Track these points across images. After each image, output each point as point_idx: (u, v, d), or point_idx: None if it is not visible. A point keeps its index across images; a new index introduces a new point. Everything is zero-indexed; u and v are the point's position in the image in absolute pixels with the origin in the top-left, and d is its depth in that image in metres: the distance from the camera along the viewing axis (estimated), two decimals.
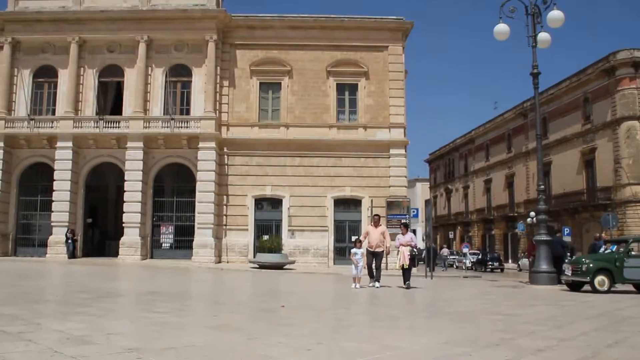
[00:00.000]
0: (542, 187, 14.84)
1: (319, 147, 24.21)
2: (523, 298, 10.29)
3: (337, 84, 25.02)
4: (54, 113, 24.73)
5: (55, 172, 23.71)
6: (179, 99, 24.65)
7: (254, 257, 22.32)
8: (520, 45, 33.73)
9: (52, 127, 24.23)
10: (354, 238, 23.54)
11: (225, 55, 24.93)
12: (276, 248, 21.38)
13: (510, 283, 15.62)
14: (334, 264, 23.17)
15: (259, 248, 22.00)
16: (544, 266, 14.08)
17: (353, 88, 25.14)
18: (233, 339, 4.50)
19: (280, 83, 24.88)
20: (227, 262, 23.37)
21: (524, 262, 26.13)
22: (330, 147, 24.25)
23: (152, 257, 23.64)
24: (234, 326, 5.29)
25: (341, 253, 23.53)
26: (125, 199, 23.48)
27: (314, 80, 24.87)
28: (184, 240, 23.67)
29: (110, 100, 25.63)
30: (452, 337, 4.86)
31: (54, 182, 23.66)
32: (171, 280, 13.11)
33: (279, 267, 20.65)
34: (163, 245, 23.98)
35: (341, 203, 24.26)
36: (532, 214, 30.20)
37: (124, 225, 23.46)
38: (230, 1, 61.06)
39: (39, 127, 24.19)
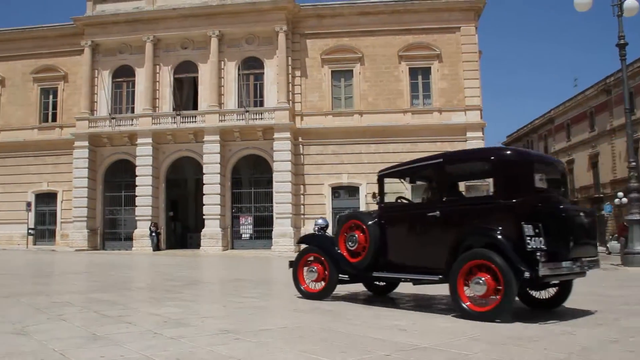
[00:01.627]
0: (634, 163, 14.99)
1: (394, 133, 27.18)
2: (620, 280, 10.74)
3: (410, 69, 27.93)
4: (133, 111, 28.97)
5: (137, 168, 27.89)
6: (252, 91, 28.32)
7: None
8: (603, 16, 34.77)
9: (132, 124, 28.43)
10: None
11: (295, 46, 28.36)
12: None
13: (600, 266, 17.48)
14: None
15: None
16: (638, 247, 14.39)
17: (426, 72, 28.00)
18: (323, 320, 5.03)
19: (352, 70, 28.07)
20: None
21: (613, 244, 28.11)
22: (405, 133, 27.17)
23: (232, 248, 27.37)
24: (322, 308, 5.83)
25: None
26: (204, 192, 27.33)
27: (385, 66, 27.91)
28: (263, 231, 27.28)
29: (186, 95, 29.70)
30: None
31: (137, 178, 27.84)
32: (254, 269, 14.87)
33: None
34: (243, 235, 27.68)
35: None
36: (620, 194, 32.09)
37: (204, 217, 27.33)
38: None
39: (119, 125, 28.45)
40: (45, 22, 31.92)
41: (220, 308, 6.12)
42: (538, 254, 4.91)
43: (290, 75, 27.89)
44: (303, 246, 7.22)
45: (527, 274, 4.88)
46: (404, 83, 27.78)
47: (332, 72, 28.15)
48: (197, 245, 27.50)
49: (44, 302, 6.10)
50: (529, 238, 4.97)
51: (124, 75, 29.39)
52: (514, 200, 5.21)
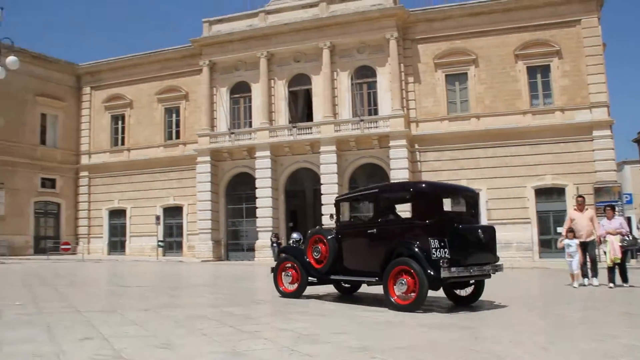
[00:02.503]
0: None
1: (513, 135, 28.19)
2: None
3: (528, 67, 28.79)
4: (250, 125, 32.21)
5: (256, 181, 31.01)
6: (366, 100, 30.53)
7: None
8: None
9: (250, 138, 31.63)
10: (559, 229, 27.42)
11: (407, 52, 30.21)
12: None
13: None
14: (540, 257, 26.99)
15: None
16: None
17: (545, 70, 28.74)
18: (456, 338, 5.38)
19: (466, 73, 29.44)
20: None
21: None
22: (526, 135, 28.08)
23: None
24: (454, 324, 6.26)
25: (547, 246, 27.31)
26: (322, 202, 29.84)
27: (501, 67, 28.99)
28: None
29: (301, 107, 32.54)
30: None
31: (257, 190, 30.95)
32: None
33: None
34: None
35: (542, 193, 27.98)
36: None
37: (323, 227, 29.83)
38: None
39: (238, 139, 31.76)
40: (165, 45, 36.00)
41: (348, 323, 6.44)
42: (441, 261, 7.17)
43: (403, 82, 29.73)
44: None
45: (433, 275, 7.14)
46: (521, 83, 28.69)
47: (446, 76, 29.65)
48: None
49: (181, 315, 6.82)
50: (434, 249, 7.25)
51: (240, 91, 32.74)
52: (425, 221, 7.57)
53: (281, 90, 31.68)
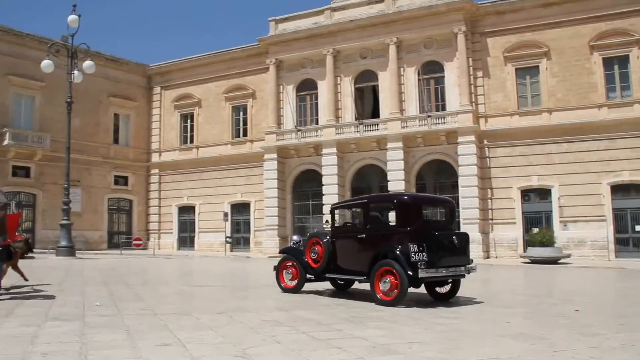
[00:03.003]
0: None
1: (588, 130, 28.29)
2: None
3: (604, 59, 28.76)
4: (317, 122, 33.65)
5: (323, 177, 32.41)
6: (433, 96, 31.35)
7: (524, 251, 27.63)
8: None
9: (316, 136, 33.06)
10: (637, 227, 27.42)
11: (475, 46, 30.80)
12: (548, 241, 26.25)
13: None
14: (616, 257, 27.08)
15: (529, 242, 27.16)
16: None
17: (623, 61, 28.64)
18: (538, 350, 5.26)
19: (537, 66, 29.74)
20: (496, 257, 29.06)
21: None
22: (601, 129, 28.11)
23: None
24: (532, 334, 6.25)
25: (624, 244, 27.38)
26: None
27: (575, 59, 29.12)
28: None
29: (367, 104, 33.71)
30: None
31: (323, 187, 32.36)
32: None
33: (552, 261, 25.46)
34: None
35: (619, 189, 27.98)
36: None
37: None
38: None
39: (305, 137, 33.24)
40: (231, 45, 37.99)
41: (422, 331, 6.51)
42: (419, 263, 8.55)
43: (471, 77, 30.36)
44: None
45: (412, 275, 8.53)
46: (597, 75, 28.71)
47: (516, 69, 30.04)
48: None
49: (254, 320, 6.96)
50: (413, 253, 8.61)
51: (306, 88, 34.24)
52: (407, 228, 8.93)
53: (347, 87, 32.92)
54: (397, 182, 30.61)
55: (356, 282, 10.37)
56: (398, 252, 8.77)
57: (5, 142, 32.54)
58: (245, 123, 36.81)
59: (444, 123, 30.12)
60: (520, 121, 29.63)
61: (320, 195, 32.60)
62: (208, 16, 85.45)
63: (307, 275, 10.50)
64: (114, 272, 15.88)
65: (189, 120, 39.33)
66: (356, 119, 32.48)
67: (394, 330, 6.46)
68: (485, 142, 30.00)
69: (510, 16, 30.31)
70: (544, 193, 28.99)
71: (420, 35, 31.34)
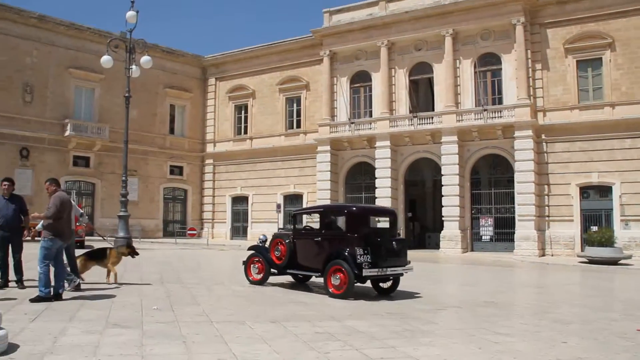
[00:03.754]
0: None
1: None
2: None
3: None
4: (370, 115, 34.25)
5: (376, 170, 33.04)
6: (490, 89, 31.43)
7: (582, 250, 27.55)
8: None
9: (370, 128, 33.67)
10: None
11: (535, 37, 30.64)
12: (607, 241, 26.01)
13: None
14: None
15: (587, 241, 27.03)
16: None
17: None
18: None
19: (600, 58, 29.38)
20: (552, 255, 29.10)
21: None
22: None
23: (472, 250, 30.94)
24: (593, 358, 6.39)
25: None
26: (443, 193, 31.31)
27: None
28: (504, 233, 30.35)
29: (422, 97, 34.08)
30: None
31: (376, 180, 33.00)
32: (498, 282, 16.02)
33: (611, 262, 25.19)
34: (483, 237, 31.07)
35: None
36: None
37: (443, 218, 31.35)
38: None
39: (358, 129, 33.90)
40: (285, 36, 38.91)
41: (477, 351, 6.56)
42: (364, 264, 10.55)
43: (530, 69, 30.28)
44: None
45: (357, 274, 10.53)
46: None
47: (577, 62, 29.76)
48: (435, 245, 31.75)
49: (307, 332, 7.19)
50: (359, 255, 10.60)
51: (360, 80, 34.85)
52: (354, 235, 10.91)
53: (402, 79, 33.34)
54: (451, 177, 30.95)
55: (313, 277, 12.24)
56: (347, 254, 10.74)
57: (67, 133, 34.50)
58: (298, 114, 37.76)
59: (501, 117, 30.20)
60: (580, 115, 29.42)
61: (373, 188, 33.28)
62: (262, 8, 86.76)
63: (272, 270, 12.42)
64: (169, 268, 16.70)
65: (243, 111, 40.60)
66: (410, 111, 32.89)
67: (448, 349, 6.61)
68: (543, 136, 29.95)
69: (572, 6, 29.99)
70: (605, 190, 28.78)
71: (477, 27, 31.39)
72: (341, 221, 12.04)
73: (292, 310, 9.17)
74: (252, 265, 12.78)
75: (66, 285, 9.87)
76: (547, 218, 29.71)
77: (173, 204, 41.57)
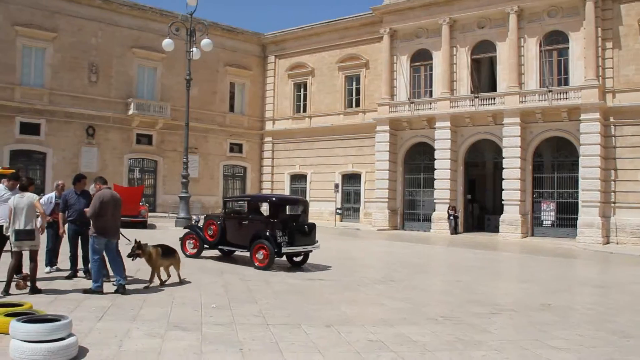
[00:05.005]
0: None
1: None
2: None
3: None
4: (431, 95, 34.68)
5: (435, 152, 33.57)
6: (555, 69, 31.22)
7: None
8: None
9: (430, 108, 34.12)
10: None
11: (606, 14, 30.09)
12: None
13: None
14: None
15: None
16: None
17: None
18: None
19: None
20: (617, 243, 28.97)
21: None
22: None
23: (532, 235, 31.17)
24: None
25: None
26: (503, 176, 31.54)
27: None
28: (566, 218, 30.41)
29: (484, 76, 34.22)
30: None
31: (435, 162, 33.55)
32: (557, 278, 15.71)
33: None
34: (544, 222, 31.22)
35: None
36: None
37: (503, 202, 31.65)
38: None
39: (418, 109, 34.41)
40: (343, 14, 39.48)
41: None
42: (282, 243, 13.83)
43: (599, 48, 29.84)
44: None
45: (277, 251, 13.81)
46: None
47: None
48: (494, 228, 32.18)
49: (361, 341, 7.29)
50: (279, 236, 13.83)
51: (421, 59, 35.26)
52: (275, 220, 14.14)
53: (463, 58, 33.52)
54: (512, 159, 31.15)
55: (237, 252, 15.35)
56: (269, 235, 13.95)
57: (130, 112, 36.55)
58: (358, 93, 38.55)
59: (566, 98, 30.03)
60: None
61: (431, 169, 33.88)
62: None
63: (205, 245, 15.46)
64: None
65: (302, 89, 41.71)
66: (471, 91, 33.08)
67: None
68: (612, 119, 29.65)
69: None
70: None
71: (544, 3, 31.13)
72: (264, 208, 15.54)
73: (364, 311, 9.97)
74: (187, 242, 15.85)
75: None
76: (612, 204, 29.57)
77: (232, 181, 43.37)
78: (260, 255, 13.95)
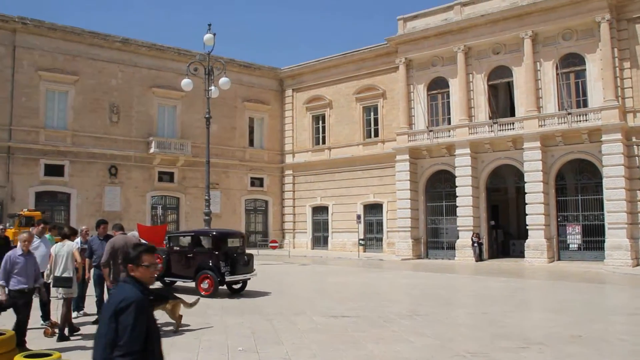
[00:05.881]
0: None
1: None
2: None
3: None
4: (449, 122, 34.83)
5: (456, 179, 33.59)
6: (573, 91, 31.24)
7: None
8: None
9: (449, 136, 34.24)
10: None
11: (621, 34, 30.16)
12: None
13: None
14: None
15: None
16: None
17: None
18: None
19: None
20: None
21: None
22: None
23: (559, 259, 30.87)
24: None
25: None
26: (527, 201, 31.42)
27: None
28: (593, 241, 30.11)
29: (502, 102, 34.34)
30: None
31: (457, 188, 33.55)
32: (587, 306, 15.46)
33: None
34: (570, 246, 30.94)
35: None
36: None
37: (527, 227, 31.45)
38: None
39: (437, 137, 34.56)
40: (360, 45, 40.08)
41: None
42: (225, 273, 15.68)
43: (617, 69, 29.84)
44: None
45: (220, 280, 15.71)
46: None
47: None
48: (520, 253, 31.96)
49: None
50: (222, 266, 15.67)
51: (437, 87, 35.53)
52: (217, 252, 16.04)
53: (480, 84, 33.71)
54: (534, 184, 31.05)
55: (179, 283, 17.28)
56: (212, 265, 15.68)
57: (152, 150, 37.23)
58: (376, 123, 38.92)
59: (586, 120, 29.97)
60: None
61: (453, 196, 33.86)
62: (336, 17, 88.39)
63: None
64: (251, 291, 17.43)
65: (320, 122, 42.22)
66: (490, 117, 33.21)
67: None
68: (634, 139, 29.54)
69: None
70: None
71: (558, 27, 31.30)
72: (207, 242, 16.90)
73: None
74: None
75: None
76: None
77: (255, 215, 43.71)
78: (205, 284, 15.62)
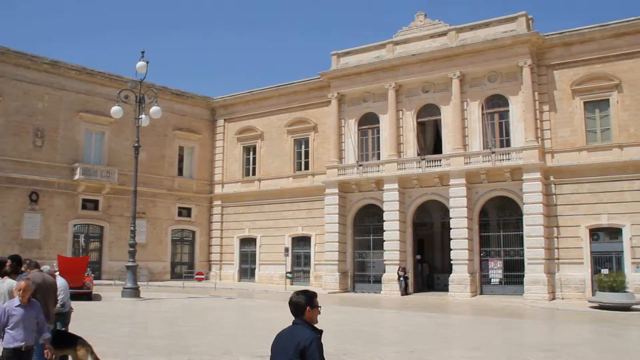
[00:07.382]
0: None
1: None
2: None
3: None
4: (378, 157, 35.57)
5: (384, 213, 34.17)
6: (497, 130, 32.64)
7: (592, 293, 28.24)
8: None
9: (378, 170, 34.93)
10: None
11: (542, 79, 31.91)
12: (619, 286, 26.45)
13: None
14: None
15: (598, 285, 27.68)
16: None
17: None
18: None
19: (607, 100, 30.45)
20: (562, 298, 29.75)
21: None
22: None
23: (481, 293, 31.72)
24: None
25: None
26: (451, 236, 32.27)
27: None
28: (513, 275, 31.15)
29: (430, 139, 35.41)
30: None
31: (384, 223, 34.10)
32: (507, 343, 16.15)
33: (623, 308, 25.69)
34: (492, 280, 31.89)
35: None
36: None
37: (451, 262, 32.23)
38: (540, 20, 70.74)
39: (366, 172, 35.18)
40: (293, 78, 40.67)
41: None
42: None
43: (537, 111, 31.46)
44: None
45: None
46: None
47: (585, 103, 30.88)
48: (444, 287, 32.67)
49: None
50: None
51: (368, 122, 36.35)
52: None
53: (409, 121, 34.71)
54: (459, 219, 31.97)
55: None
56: None
57: (76, 177, 36.19)
58: (307, 156, 39.27)
59: (509, 159, 31.29)
60: (588, 157, 30.45)
61: (381, 230, 34.38)
62: (270, 50, 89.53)
63: None
64: (177, 329, 16.95)
65: (251, 153, 42.26)
66: (418, 154, 34.13)
67: None
68: (552, 178, 30.95)
69: (579, 47, 31.28)
70: (615, 232, 29.60)
71: (484, 69, 32.77)
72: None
73: None
74: None
75: None
76: (556, 261, 30.52)
77: (181, 246, 42.92)
78: None
